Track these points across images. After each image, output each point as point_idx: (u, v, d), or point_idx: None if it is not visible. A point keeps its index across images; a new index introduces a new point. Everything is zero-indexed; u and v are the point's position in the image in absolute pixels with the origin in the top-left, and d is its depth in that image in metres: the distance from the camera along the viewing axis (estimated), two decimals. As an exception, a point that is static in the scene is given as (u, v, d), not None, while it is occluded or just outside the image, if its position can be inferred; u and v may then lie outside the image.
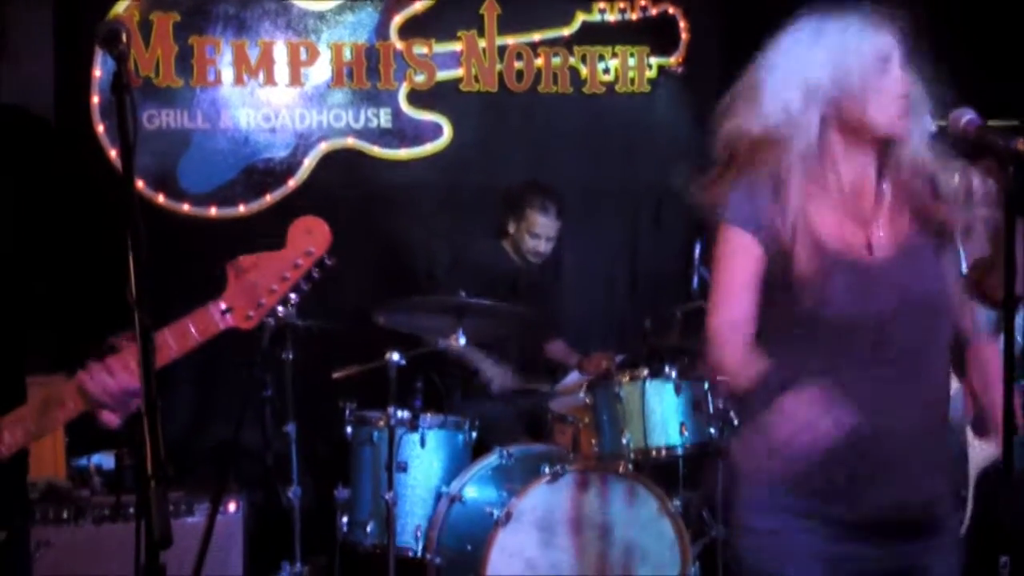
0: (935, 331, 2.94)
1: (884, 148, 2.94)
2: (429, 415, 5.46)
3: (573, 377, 6.21)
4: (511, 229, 6.44)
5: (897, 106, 2.87)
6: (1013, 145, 2.68)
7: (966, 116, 2.80)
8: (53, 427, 2.73)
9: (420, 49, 7.06)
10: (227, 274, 2.73)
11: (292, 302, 2.83)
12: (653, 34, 7.42)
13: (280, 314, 2.71)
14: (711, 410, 5.47)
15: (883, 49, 2.88)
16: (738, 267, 2.97)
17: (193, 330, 2.70)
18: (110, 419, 2.73)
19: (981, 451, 3.99)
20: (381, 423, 5.36)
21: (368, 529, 5.39)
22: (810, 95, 2.89)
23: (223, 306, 2.71)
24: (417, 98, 7.08)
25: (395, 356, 5.26)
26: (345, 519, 5.47)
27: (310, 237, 2.75)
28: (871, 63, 2.87)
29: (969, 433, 3.49)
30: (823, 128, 2.90)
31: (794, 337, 2.90)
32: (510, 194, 6.52)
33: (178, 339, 2.70)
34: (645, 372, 5.45)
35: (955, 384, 3.52)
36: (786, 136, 2.90)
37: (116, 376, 2.66)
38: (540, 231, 6.35)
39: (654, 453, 5.39)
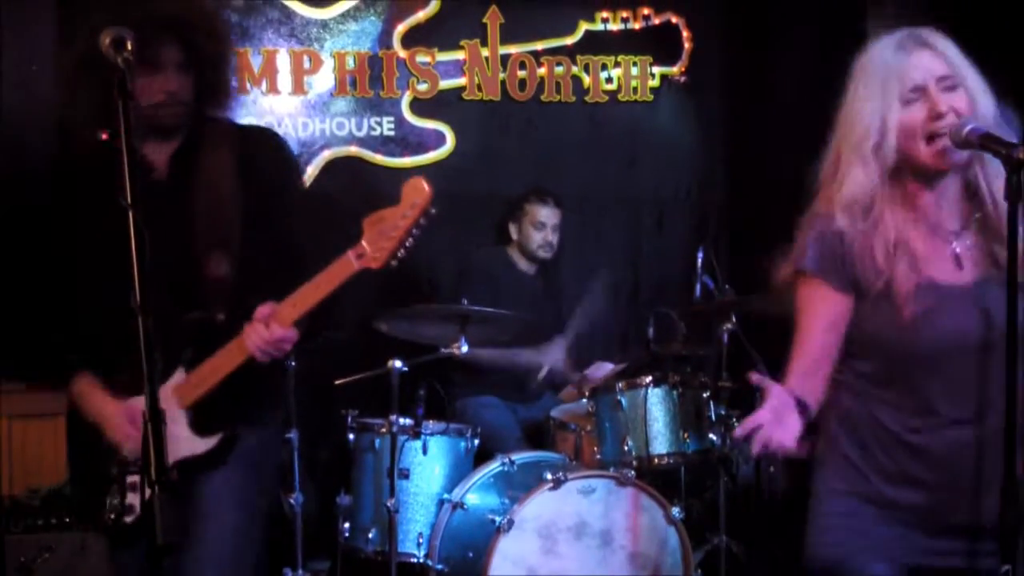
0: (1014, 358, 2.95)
1: (964, 175, 2.91)
2: (431, 422, 5.45)
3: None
4: (514, 233, 6.47)
5: (930, 132, 2.83)
6: (1016, 153, 2.68)
7: (969, 125, 2.79)
8: (224, 373, 3.45)
9: (423, 58, 7.07)
10: (363, 226, 3.32)
11: (408, 246, 3.34)
12: (656, 43, 7.44)
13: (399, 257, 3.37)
14: (713, 417, 5.48)
15: (911, 78, 2.84)
16: (818, 315, 2.96)
17: (335, 273, 3.33)
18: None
19: None
20: (383, 430, 5.36)
21: (370, 536, 5.39)
22: (859, 146, 2.88)
23: (358, 251, 3.30)
24: (420, 107, 7.09)
25: (397, 364, 5.27)
26: (347, 526, 5.46)
27: (414, 192, 3.34)
28: (897, 96, 2.84)
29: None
30: (866, 170, 2.87)
31: (872, 354, 2.92)
32: (507, 204, 6.57)
33: (327, 281, 3.33)
34: (647, 380, 5.47)
35: None
36: (850, 190, 2.89)
37: (270, 328, 3.35)
38: (544, 220, 6.41)
39: (656, 460, 5.41)
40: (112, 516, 3.47)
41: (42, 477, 5.74)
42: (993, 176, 2.88)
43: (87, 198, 3.43)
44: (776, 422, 2.75)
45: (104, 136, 2.99)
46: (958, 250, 2.90)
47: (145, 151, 3.52)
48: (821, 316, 2.95)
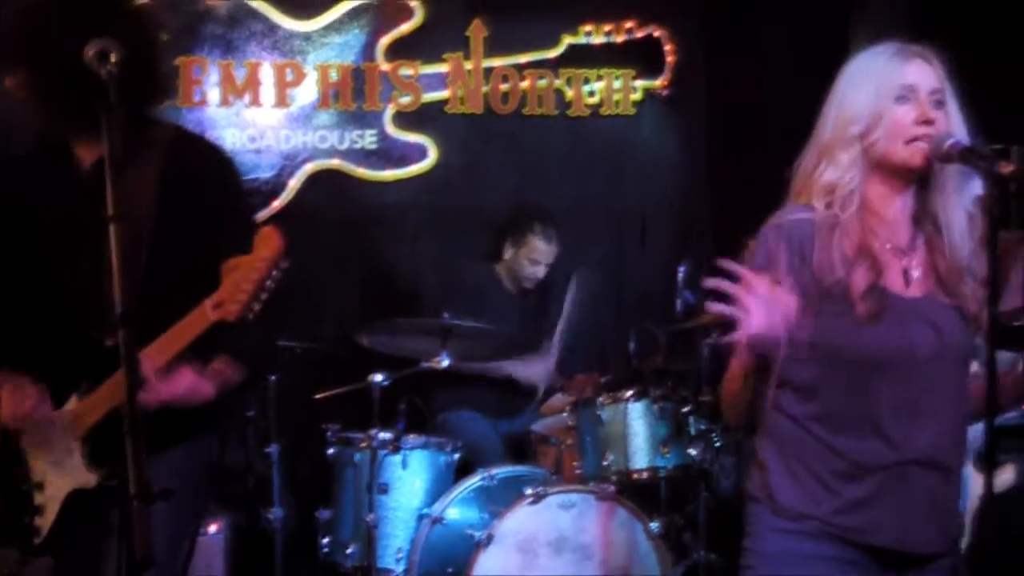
0: (962, 377, 2.92)
1: (921, 191, 2.90)
2: (411, 436, 5.45)
3: (557, 398, 6.22)
4: (507, 255, 6.46)
5: (913, 136, 2.82)
6: (997, 168, 2.68)
7: (950, 139, 2.80)
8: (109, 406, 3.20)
9: (406, 70, 7.08)
10: (222, 272, 3.10)
11: (262, 299, 3.12)
12: (639, 57, 7.44)
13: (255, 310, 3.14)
14: (693, 432, 5.48)
15: (907, 78, 2.84)
16: None
17: (193, 323, 3.15)
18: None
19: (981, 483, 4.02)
20: (363, 444, 5.35)
21: (349, 551, 5.37)
22: (837, 126, 2.88)
23: (215, 301, 3.10)
24: (403, 119, 7.09)
25: (378, 377, 5.26)
26: (327, 540, 5.45)
27: (264, 245, 3.09)
28: (891, 91, 2.83)
29: (969, 466, 3.51)
30: (851, 161, 2.86)
31: (826, 369, 2.86)
32: (509, 219, 6.56)
33: (184, 331, 3.16)
34: (628, 394, 5.46)
35: None
36: (832, 176, 2.87)
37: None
38: (540, 257, 6.38)
39: (636, 475, 5.40)
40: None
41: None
42: (951, 204, 2.88)
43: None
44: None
45: None
46: (907, 266, 2.90)
47: (76, 149, 3.45)
48: None
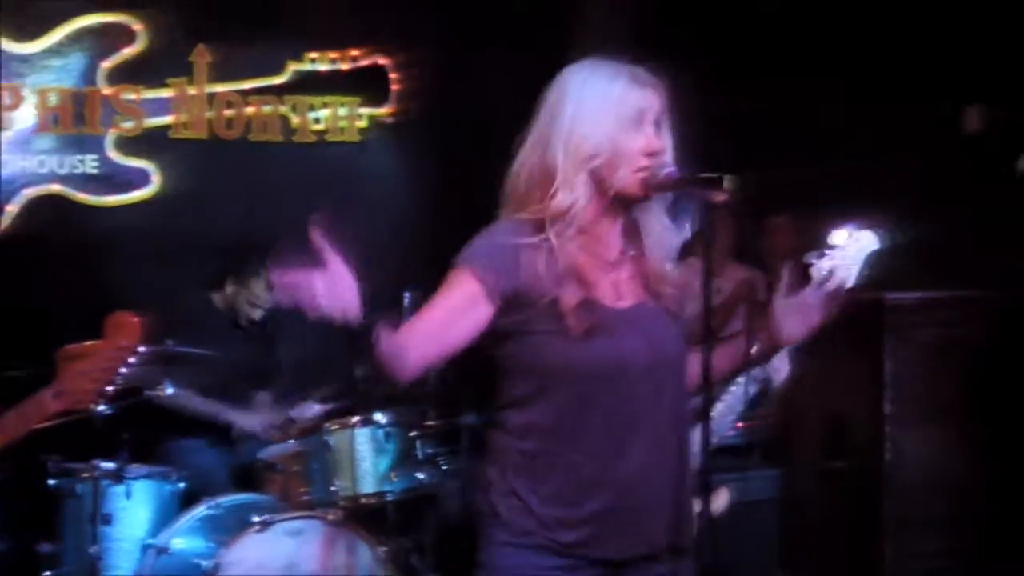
0: (681, 383, 2.99)
1: (630, 213, 2.98)
2: (135, 466, 5.37)
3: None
4: (228, 289, 6.36)
5: (641, 166, 2.86)
6: (711, 196, 2.80)
7: (665, 168, 2.89)
8: None
9: (129, 95, 6.99)
10: (57, 362, 2.91)
11: (116, 386, 2.96)
12: (364, 85, 7.50)
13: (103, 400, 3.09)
14: (421, 456, 5.54)
15: (638, 106, 2.88)
16: (454, 300, 2.91)
17: (28, 414, 2.92)
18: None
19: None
20: (85, 475, 5.25)
21: (72, 584, 5.27)
22: (571, 150, 2.88)
23: (55, 391, 2.90)
24: (125, 144, 7.00)
25: (100, 407, 5.17)
26: (49, 574, 5.33)
27: (120, 333, 2.96)
28: (629, 124, 2.87)
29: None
30: (586, 187, 2.88)
31: (544, 386, 2.90)
32: (236, 255, 6.45)
33: (16, 423, 2.93)
34: (355, 420, 5.49)
35: None
36: (553, 192, 2.89)
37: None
38: (259, 303, 6.31)
39: (364, 500, 5.42)
40: None
41: None
42: (651, 215, 2.99)
43: None
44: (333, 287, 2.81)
45: None
46: (616, 279, 2.96)
47: None
48: (457, 302, 2.89)
